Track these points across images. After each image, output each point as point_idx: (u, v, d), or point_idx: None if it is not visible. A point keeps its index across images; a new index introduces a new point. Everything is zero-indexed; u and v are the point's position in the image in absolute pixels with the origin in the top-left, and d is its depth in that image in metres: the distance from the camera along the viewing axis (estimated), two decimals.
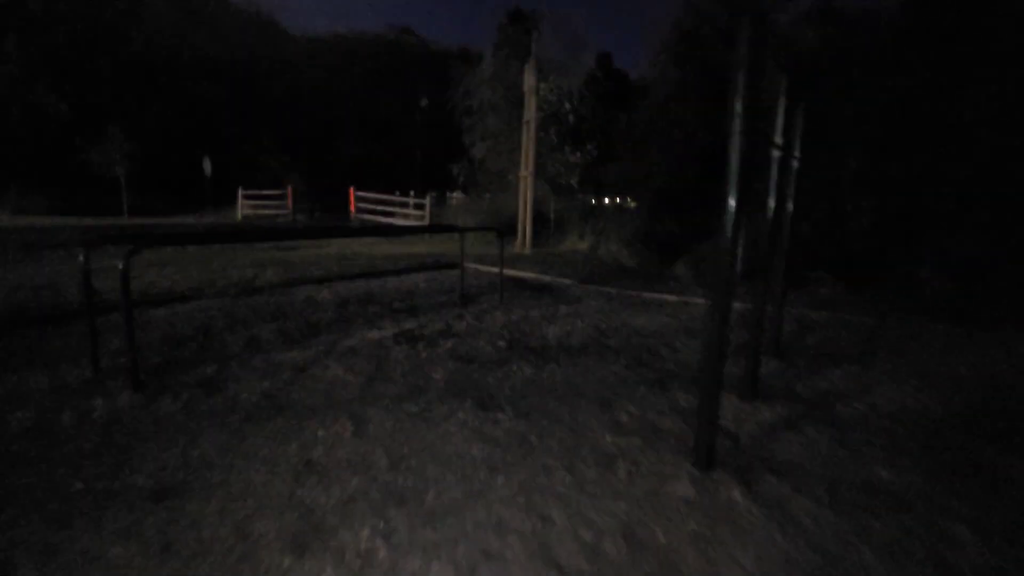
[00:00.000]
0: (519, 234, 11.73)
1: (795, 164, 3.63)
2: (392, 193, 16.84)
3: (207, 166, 20.04)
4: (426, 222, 15.38)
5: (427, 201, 15.71)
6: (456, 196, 21.14)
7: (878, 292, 7.60)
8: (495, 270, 8.32)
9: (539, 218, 12.60)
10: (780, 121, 3.43)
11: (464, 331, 4.42)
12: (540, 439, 2.45)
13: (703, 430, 2.20)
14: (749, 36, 2.03)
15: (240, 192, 18.02)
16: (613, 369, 3.60)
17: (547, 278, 7.89)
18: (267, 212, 17.71)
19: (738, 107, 2.07)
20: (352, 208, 16.79)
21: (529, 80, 11.15)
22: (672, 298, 6.79)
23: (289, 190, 17.74)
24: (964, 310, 6.42)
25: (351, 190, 16.82)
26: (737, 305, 6.47)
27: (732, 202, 2.14)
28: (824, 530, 1.88)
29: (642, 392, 3.19)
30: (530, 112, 11.27)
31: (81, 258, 2.98)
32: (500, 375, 3.34)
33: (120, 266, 2.75)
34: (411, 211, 16.27)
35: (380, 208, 16.66)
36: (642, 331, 4.79)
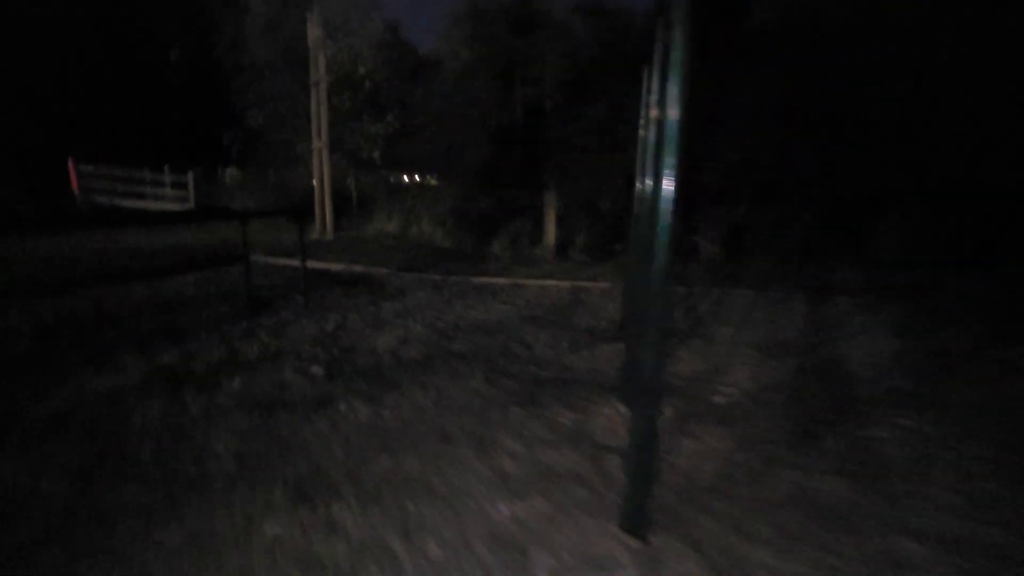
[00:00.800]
0: (317, 216, 10.09)
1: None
2: (140, 168, 13.08)
3: None
4: (190, 205, 12.35)
5: (189, 179, 12.62)
6: (231, 172, 17.68)
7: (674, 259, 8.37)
8: (294, 262, 6.80)
9: (339, 197, 11.05)
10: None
11: (258, 356, 3.18)
12: (409, 543, 1.59)
13: (637, 491, 1.61)
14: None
15: None
16: (472, 387, 2.87)
17: (359, 268, 6.73)
18: None
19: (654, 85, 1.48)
20: (75, 187, 12.56)
21: (314, 33, 9.44)
22: (501, 280, 6.35)
23: None
24: (733, 273, 7.37)
25: (71, 162, 12.52)
26: (565, 284, 6.34)
27: (647, 182, 1.54)
28: None
29: (517, 416, 2.53)
30: (319, 72, 9.61)
31: None
32: (324, 426, 2.32)
33: None
34: (167, 191, 12.91)
35: (121, 188, 12.81)
36: (485, 326, 4.16)
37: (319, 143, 9.83)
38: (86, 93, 14.37)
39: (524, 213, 10.42)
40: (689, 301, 5.38)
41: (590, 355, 3.51)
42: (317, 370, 2.99)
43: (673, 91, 1.44)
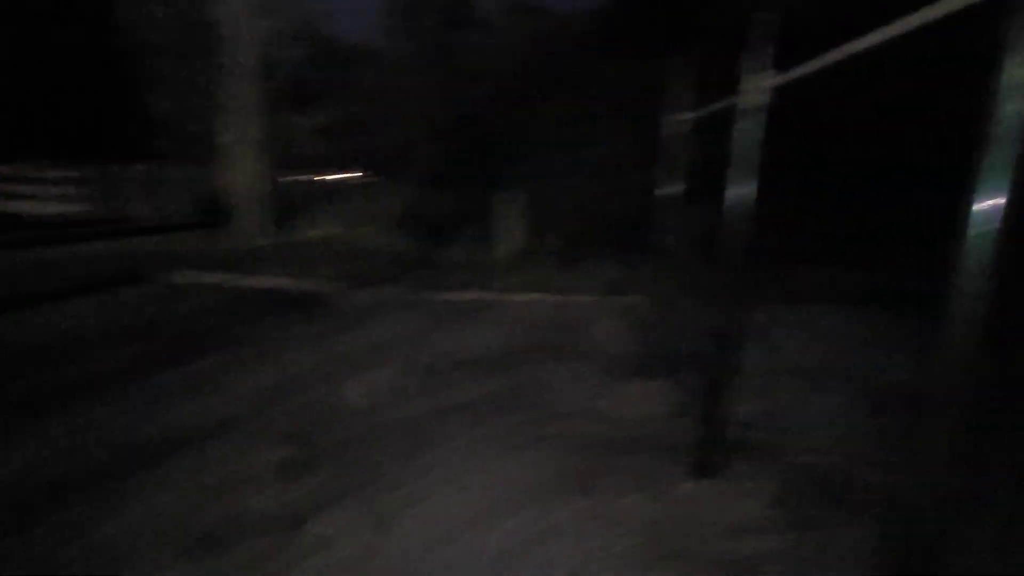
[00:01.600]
0: (246, 220, 8.78)
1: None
2: (17, 164, 10.98)
3: None
4: (81, 208, 10.51)
5: (80, 176, 10.71)
6: (138, 168, 15.53)
7: None
8: (222, 278, 5.65)
9: (274, 197, 9.73)
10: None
11: (192, 429, 2.25)
12: None
13: None
14: None
15: None
16: (500, 466, 2.12)
17: (305, 284, 5.71)
18: None
19: None
20: None
21: (229, 9, 8.13)
22: (478, 296, 5.59)
23: None
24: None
25: None
26: (553, 298, 5.51)
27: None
28: None
29: (582, 514, 1.82)
30: (238, 54, 8.31)
31: None
32: None
33: None
34: (53, 190, 10.93)
35: None
36: (484, 360, 3.41)
37: (246, 135, 8.54)
38: None
39: (482, 214, 9.62)
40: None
41: (629, 398, 2.85)
42: (280, 454, 2.12)
43: None
